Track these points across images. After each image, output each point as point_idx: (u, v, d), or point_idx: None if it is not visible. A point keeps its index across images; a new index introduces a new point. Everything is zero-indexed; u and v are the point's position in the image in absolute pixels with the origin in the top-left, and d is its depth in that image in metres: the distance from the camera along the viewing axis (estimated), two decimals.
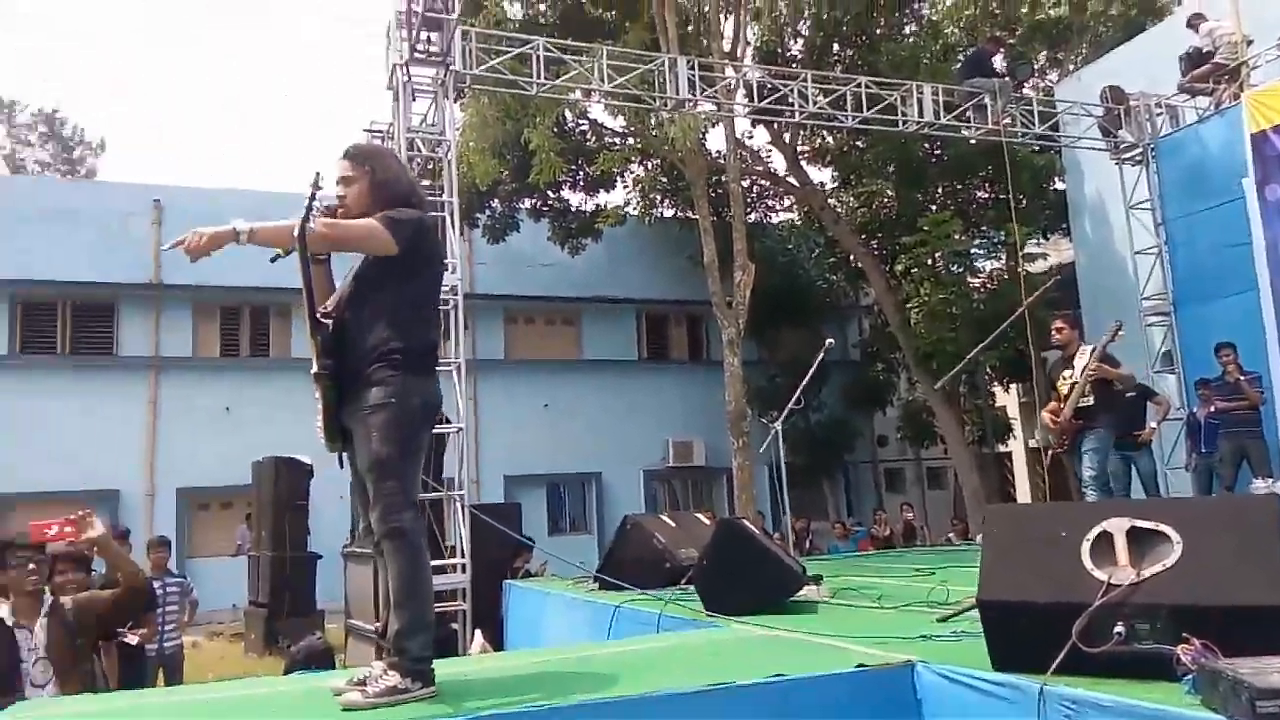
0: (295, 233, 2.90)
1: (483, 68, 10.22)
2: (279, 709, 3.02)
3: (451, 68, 9.53)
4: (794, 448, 19.16)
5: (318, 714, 2.76)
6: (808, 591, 4.74)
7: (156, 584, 7.19)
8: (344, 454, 3.19)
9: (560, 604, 6.15)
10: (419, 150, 9.91)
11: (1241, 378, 9.01)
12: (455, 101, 13.03)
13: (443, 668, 3.00)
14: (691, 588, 4.72)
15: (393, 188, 3.12)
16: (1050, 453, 7.15)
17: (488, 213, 17.27)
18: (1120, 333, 6.88)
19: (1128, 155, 12.37)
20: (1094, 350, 6.90)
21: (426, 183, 11.48)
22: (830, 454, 20.00)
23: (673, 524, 6.41)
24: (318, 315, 3.11)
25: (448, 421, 8.63)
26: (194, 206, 18.06)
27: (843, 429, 20.46)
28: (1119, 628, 2.41)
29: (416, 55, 9.29)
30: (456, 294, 9.13)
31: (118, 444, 16.78)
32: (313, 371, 3.06)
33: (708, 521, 6.87)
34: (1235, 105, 10.46)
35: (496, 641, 7.07)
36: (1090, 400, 6.81)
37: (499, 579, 7.83)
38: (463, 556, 7.97)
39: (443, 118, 9.79)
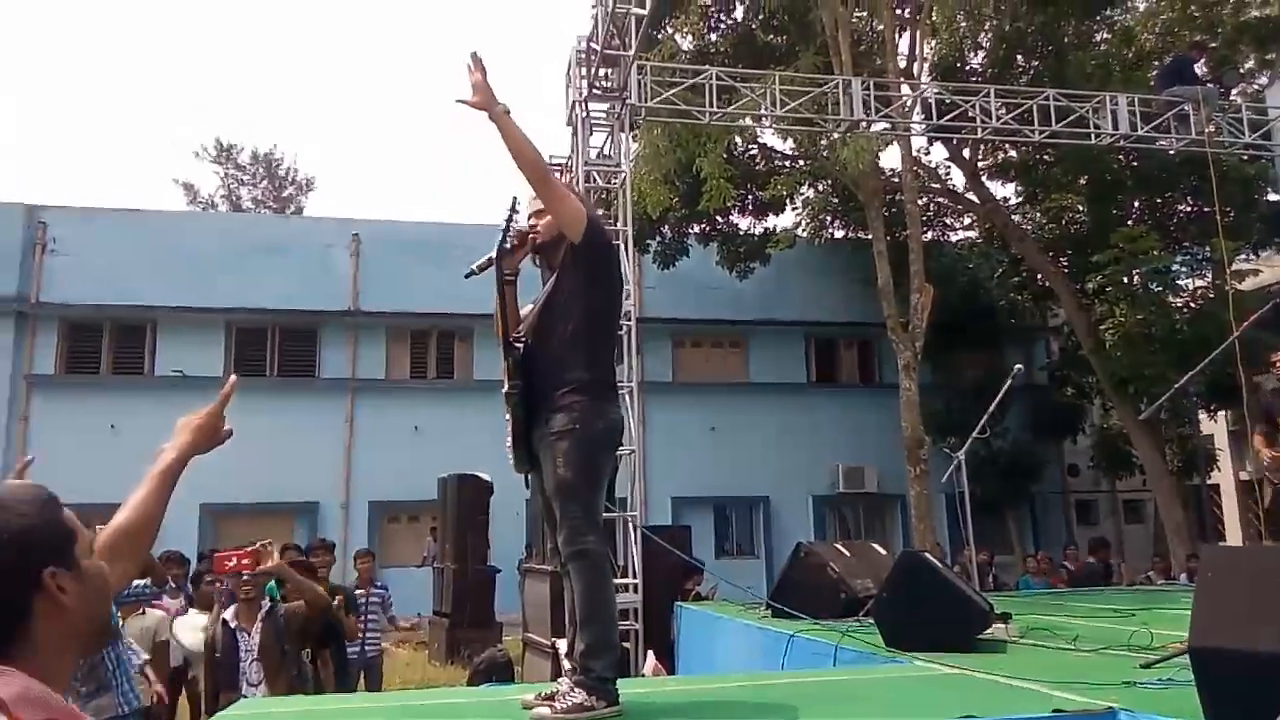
0: (493, 254, 3.13)
1: (657, 100, 10.45)
2: (472, 716, 3.18)
3: (628, 102, 9.78)
4: (975, 476, 18.29)
5: None
6: (995, 630, 4.54)
7: (359, 592, 7.70)
8: (529, 475, 3.32)
9: (733, 629, 6.15)
10: (595, 181, 10.22)
11: None
12: (629, 133, 13.42)
13: (625, 688, 3.08)
14: (870, 620, 4.62)
15: (599, 220, 3.29)
16: (1275, 487, 6.56)
17: (658, 239, 17.56)
18: None
19: None
20: None
21: (601, 212, 11.87)
22: (1015, 484, 19.00)
23: (847, 553, 6.29)
24: (510, 338, 3.25)
25: (620, 444, 8.82)
26: (389, 238, 19.40)
27: (1028, 457, 19.40)
28: None
29: (595, 92, 9.61)
30: (630, 318, 9.34)
31: (318, 460, 18.08)
32: (503, 391, 3.20)
33: (884, 552, 6.71)
34: None
35: (668, 663, 7.13)
36: None
37: (670, 600, 7.90)
38: (634, 577, 8.09)
39: (618, 150, 10.07)
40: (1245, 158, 13.64)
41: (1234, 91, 14.83)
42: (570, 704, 2.88)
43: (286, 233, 20.41)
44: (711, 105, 10.65)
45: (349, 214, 21.80)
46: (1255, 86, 17.13)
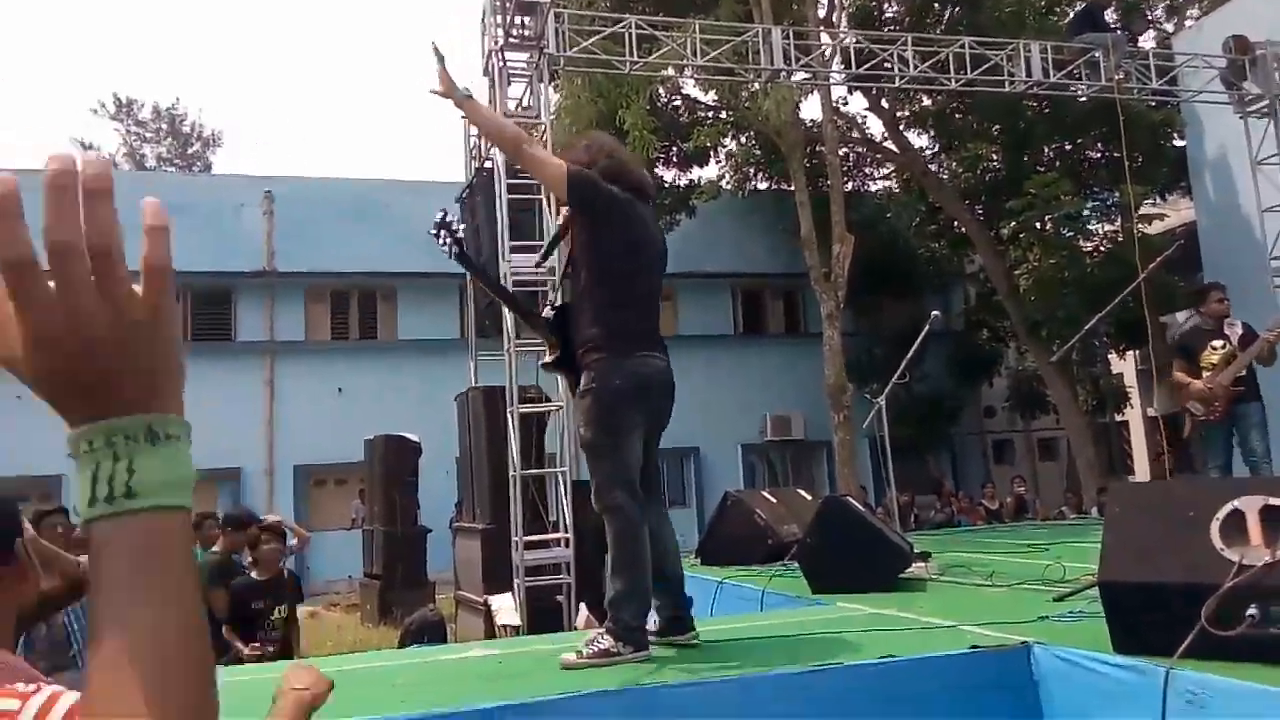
0: (454, 255, 3.28)
1: (576, 49, 10.24)
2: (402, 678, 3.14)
3: (545, 51, 9.58)
4: (897, 421, 18.72)
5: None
6: (916, 569, 4.67)
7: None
8: None
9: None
10: None
11: None
12: (550, 84, 13.16)
13: (560, 641, 3.09)
14: (795, 565, 4.71)
15: (606, 170, 3.23)
16: (1194, 421, 6.87)
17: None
18: None
19: (1254, 108, 11.60)
20: (1245, 327, 6.71)
21: (518, 166, 11.66)
22: (934, 427, 19.55)
23: (774, 500, 6.39)
24: (533, 311, 3.46)
25: (547, 400, 8.79)
26: (304, 195, 18.79)
27: (948, 400, 19.96)
28: (1252, 610, 2.30)
29: (511, 40, 9.37)
30: (554, 274, 9.24)
31: (238, 425, 17.60)
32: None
33: (809, 498, 6.83)
34: None
35: (600, 614, 7.18)
36: (1244, 371, 6.63)
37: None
38: (566, 531, 8.10)
39: (538, 101, 9.87)
40: (1153, 104, 14.03)
41: (1143, 38, 15.18)
42: (597, 649, 2.98)
43: (195, 191, 19.56)
44: (632, 55, 10.50)
45: (261, 171, 21.03)
46: (1163, 34, 17.60)
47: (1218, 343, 6.78)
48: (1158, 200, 17.39)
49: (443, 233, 3.29)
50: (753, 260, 20.32)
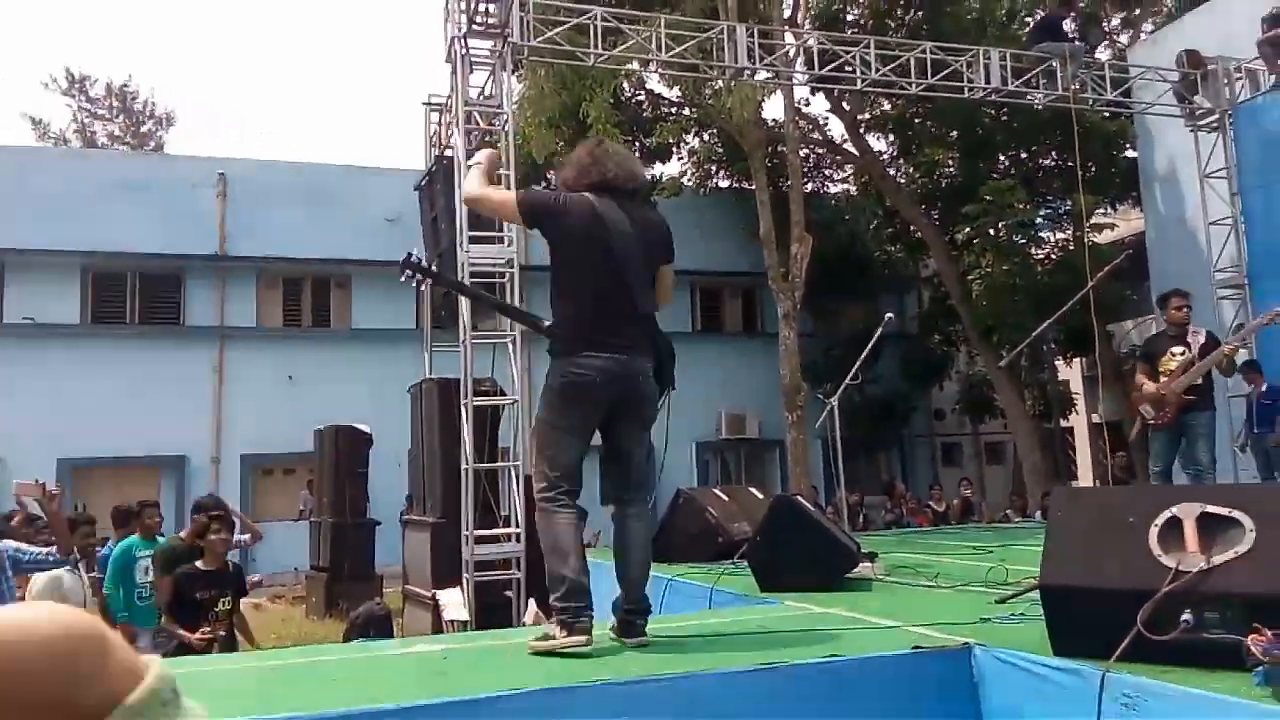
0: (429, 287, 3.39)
1: (540, 39, 10.16)
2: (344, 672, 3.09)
3: (509, 39, 9.49)
4: (849, 421, 18.76)
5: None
6: (863, 569, 4.70)
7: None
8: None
9: (613, 575, 6.17)
10: (476, 123, 9.92)
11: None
12: (513, 74, 13.05)
13: (507, 637, 3.07)
14: (744, 563, 4.71)
15: (565, 179, 3.53)
16: (1143, 423, 7.01)
17: (544, 185, 17.30)
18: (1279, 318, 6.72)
19: (1204, 122, 11.88)
20: (1209, 336, 6.86)
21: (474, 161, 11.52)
22: (886, 428, 19.77)
23: (725, 498, 6.41)
24: (527, 314, 3.86)
25: (502, 393, 8.72)
26: (258, 179, 18.45)
27: (899, 403, 20.20)
28: (1186, 616, 2.33)
29: (475, 28, 9.27)
30: (511, 266, 9.17)
31: (185, 412, 17.26)
32: None
33: (761, 496, 6.86)
34: None
35: (549, 611, 7.14)
36: (1200, 381, 6.77)
37: None
38: (517, 526, 8.04)
39: (500, 90, 9.78)
40: (1107, 115, 14.28)
41: (1099, 50, 15.45)
42: (539, 636, 3.19)
43: (147, 171, 19.10)
44: (597, 47, 10.45)
45: (214, 152, 20.61)
46: (1120, 46, 17.96)
47: (1178, 349, 6.91)
48: (1109, 210, 17.74)
49: (413, 274, 3.53)
50: (712, 258, 20.33)
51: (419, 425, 9.71)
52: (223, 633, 5.39)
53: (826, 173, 20.92)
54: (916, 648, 2.84)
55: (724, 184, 19.47)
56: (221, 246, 18.25)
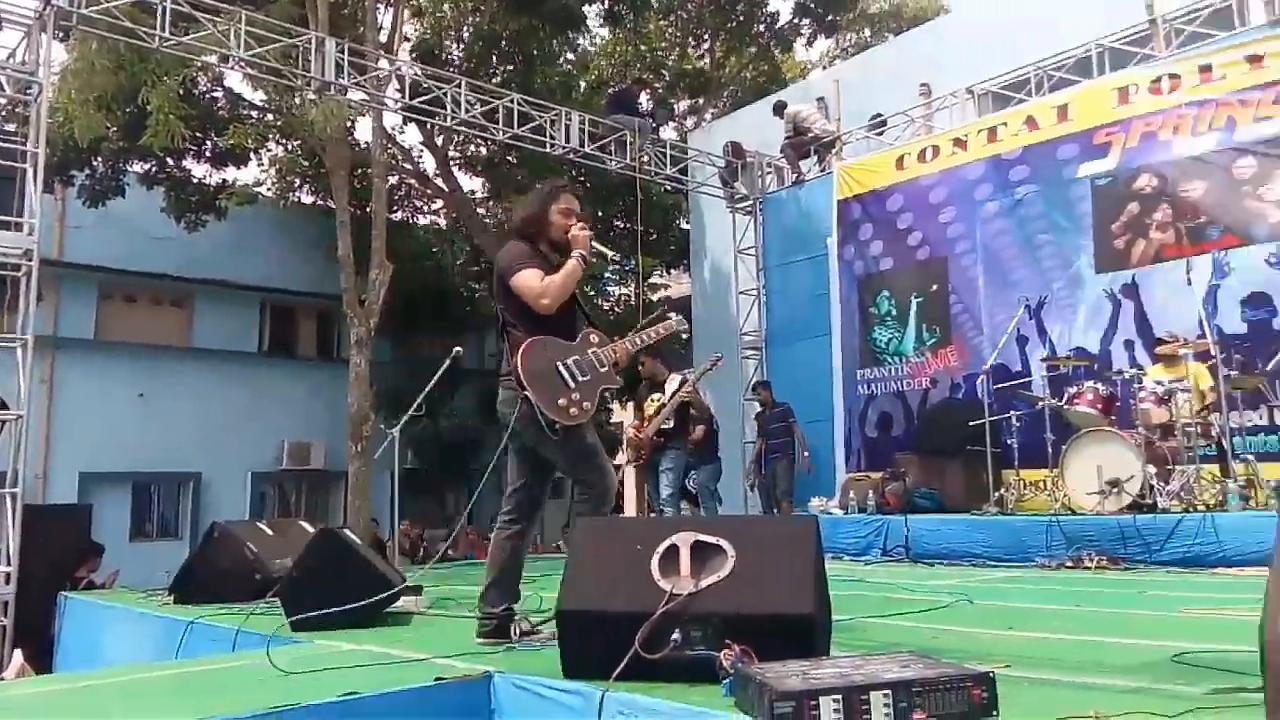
0: None
1: (95, 8, 8.98)
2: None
3: (54, 2, 8.29)
4: (421, 454, 18.82)
5: None
6: (406, 603, 4.64)
7: None
8: None
9: (127, 619, 5.46)
10: (3, 89, 8.50)
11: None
12: (63, 41, 11.30)
13: None
14: (279, 601, 4.41)
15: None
16: (628, 465, 7.91)
17: (87, 171, 15.10)
18: (719, 364, 7.65)
19: (740, 205, 13.78)
20: (683, 379, 7.78)
21: (11, 128, 9.79)
22: (457, 462, 19.94)
23: (270, 531, 6.00)
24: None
25: (4, 407, 7.38)
26: None
27: (472, 438, 20.50)
28: (676, 634, 2.60)
29: None
30: (30, 259, 7.87)
31: None
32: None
33: (311, 529, 6.50)
34: (828, 174, 12.05)
35: (42, 662, 6.12)
36: (671, 423, 7.60)
37: (56, 591, 6.79)
38: (8, 564, 6.80)
39: (36, 56, 8.46)
40: (668, 189, 15.98)
41: (666, 128, 17.27)
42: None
43: None
44: (164, 30, 9.45)
45: None
46: (684, 130, 20.24)
47: (656, 395, 7.93)
48: (665, 272, 19.81)
49: None
50: (288, 276, 19.18)
51: None
52: None
53: (418, 204, 20.84)
54: (439, 679, 2.84)
55: (307, 199, 18.52)
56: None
